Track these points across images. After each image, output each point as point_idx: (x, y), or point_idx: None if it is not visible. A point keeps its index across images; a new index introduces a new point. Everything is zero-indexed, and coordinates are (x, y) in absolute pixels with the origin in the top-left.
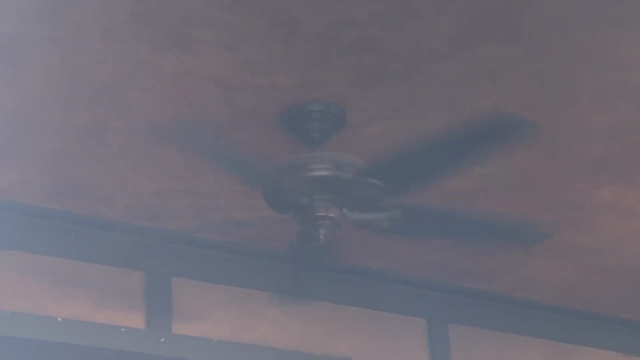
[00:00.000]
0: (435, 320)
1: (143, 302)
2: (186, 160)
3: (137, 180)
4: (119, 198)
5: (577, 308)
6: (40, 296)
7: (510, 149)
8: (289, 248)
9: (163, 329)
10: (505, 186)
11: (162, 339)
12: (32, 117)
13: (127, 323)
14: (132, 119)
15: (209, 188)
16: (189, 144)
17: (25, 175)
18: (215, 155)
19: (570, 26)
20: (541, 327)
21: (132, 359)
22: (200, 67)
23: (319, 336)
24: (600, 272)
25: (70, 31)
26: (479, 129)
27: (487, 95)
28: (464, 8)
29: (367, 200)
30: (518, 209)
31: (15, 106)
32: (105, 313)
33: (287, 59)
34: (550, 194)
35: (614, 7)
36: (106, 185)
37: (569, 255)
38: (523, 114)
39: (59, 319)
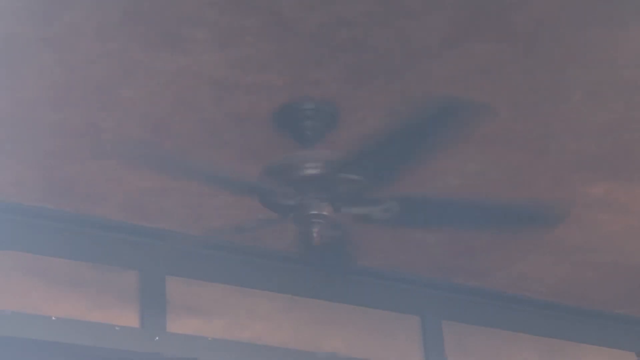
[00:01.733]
0: (429, 317)
1: (137, 301)
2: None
3: (130, 178)
4: (112, 197)
5: (571, 304)
6: (34, 295)
7: (504, 146)
8: (309, 253)
9: (157, 327)
10: (498, 184)
11: (157, 337)
12: (25, 116)
13: (122, 321)
14: (126, 118)
15: (202, 186)
16: (165, 166)
17: (19, 174)
18: (193, 173)
19: (563, 24)
20: (535, 323)
21: (126, 358)
22: (193, 66)
23: (313, 334)
24: (593, 269)
25: (63, 31)
26: (437, 113)
27: (479, 92)
28: (456, 6)
29: (361, 194)
30: None
31: (9, 106)
32: (99, 312)
33: (280, 58)
34: (543, 191)
35: (606, 5)
36: (100, 184)
37: (562, 252)
38: (516, 111)
39: (53, 317)
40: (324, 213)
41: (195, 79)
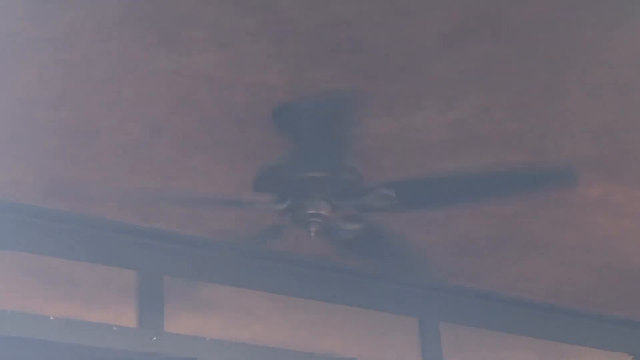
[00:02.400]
0: (426, 318)
1: (135, 301)
2: (179, 159)
3: (129, 179)
4: (111, 197)
5: (569, 306)
6: (33, 295)
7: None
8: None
9: (155, 327)
10: None
11: (154, 338)
12: (24, 116)
13: (120, 321)
14: (125, 117)
15: (201, 187)
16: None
17: (18, 174)
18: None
19: (560, 24)
20: (532, 325)
21: (124, 358)
22: (192, 65)
23: (311, 335)
24: (590, 271)
25: (62, 30)
26: None
27: (477, 93)
28: (453, 6)
29: (356, 188)
30: (508, 206)
31: (8, 105)
32: (97, 312)
33: (278, 57)
34: (541, 192)
35: (603, 6)
36: (98, 184)
37: (560, 254)
38: (513, 112)
39: (51, 317)
40: (322, 212)
41: (194, 78)
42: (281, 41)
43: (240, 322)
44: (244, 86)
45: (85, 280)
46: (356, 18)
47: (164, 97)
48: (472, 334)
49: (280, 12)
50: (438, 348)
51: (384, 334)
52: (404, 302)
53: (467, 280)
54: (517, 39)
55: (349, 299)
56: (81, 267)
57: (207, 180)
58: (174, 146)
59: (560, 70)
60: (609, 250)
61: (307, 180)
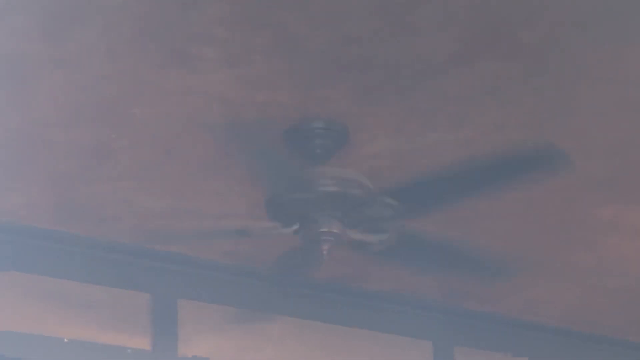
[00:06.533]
0: (441, 342)
1: (149, 324)
2: (191, 180)
3: (142, 200)
4: (124, 219)
5: (583, 330)
6: (47, 317)
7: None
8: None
9: (169, 350)
10: (508, 205)
11: None
12: (36, 137)
13: (133, 344)
14: (137, 137)
15: (214, 209)
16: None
17: (30, 196)
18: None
19: (570, 42)
20: (547, 349)
21: None
22: (203, 85)
23: (325, 358)
24: (605, 294)
25: (74, 51)
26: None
27: (487, 111)
28: (464, 24)
29: (369, 219)
30: (520, 228)
31: (19, 126)
32: (111, 334)
33: (289, 76)
34: (552, 212)
35: (614, 23)
36: (111, 206)
37: (573, 277)
38: (523, 131)
39: (65, 340)
40: (334, 230)
41: (206, 97)
42: (292, 59)
43: (254, 345)
44: (255, 105)
45: (99, 303)
46: (367, 36)
47: (175, 117)
48: (487, 358)
49: (291, 31)
50: None
51: (397, 358)
52: (418, 325)
53: (481, 304)
54: (527, 57)
55: (363, 322)
56: (95, 290)
57: (219, 201)
58: (186, 166)
59: (571, 88)
60: (624, 272)
61: (314, 200)
